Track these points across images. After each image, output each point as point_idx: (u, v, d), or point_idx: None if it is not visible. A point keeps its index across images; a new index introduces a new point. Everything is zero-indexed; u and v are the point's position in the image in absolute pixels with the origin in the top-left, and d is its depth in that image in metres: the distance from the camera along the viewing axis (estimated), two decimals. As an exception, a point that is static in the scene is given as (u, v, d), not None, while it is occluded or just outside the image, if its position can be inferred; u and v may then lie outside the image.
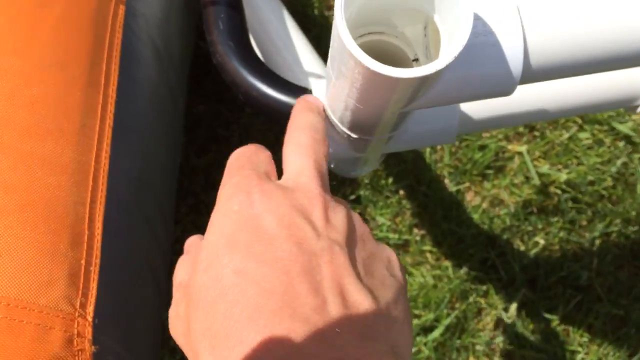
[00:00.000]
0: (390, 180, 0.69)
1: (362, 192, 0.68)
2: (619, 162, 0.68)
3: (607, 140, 0.69)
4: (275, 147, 0.70)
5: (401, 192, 0.69)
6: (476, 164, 0.69)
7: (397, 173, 0.69)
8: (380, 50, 0.29)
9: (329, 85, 0.30)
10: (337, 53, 0.24)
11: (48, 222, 0.34)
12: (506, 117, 0.37)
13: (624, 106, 0.39)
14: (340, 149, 0.36)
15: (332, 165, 0.42)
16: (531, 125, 0.70)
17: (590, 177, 0.68)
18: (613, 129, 0.69)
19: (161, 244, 0.46)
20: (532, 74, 0.26)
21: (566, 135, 0.69)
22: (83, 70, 0.39)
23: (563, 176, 0.67)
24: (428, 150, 0.69)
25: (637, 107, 0.39)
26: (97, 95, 0.39)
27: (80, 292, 0.34)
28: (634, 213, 0.68)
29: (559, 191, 0.68)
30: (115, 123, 0.40)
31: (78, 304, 0.34)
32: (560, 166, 0.69)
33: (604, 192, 0.68)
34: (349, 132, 0.32)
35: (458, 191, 0.69)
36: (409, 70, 0.21)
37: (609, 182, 0.68)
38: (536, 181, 0.68)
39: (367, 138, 0.33)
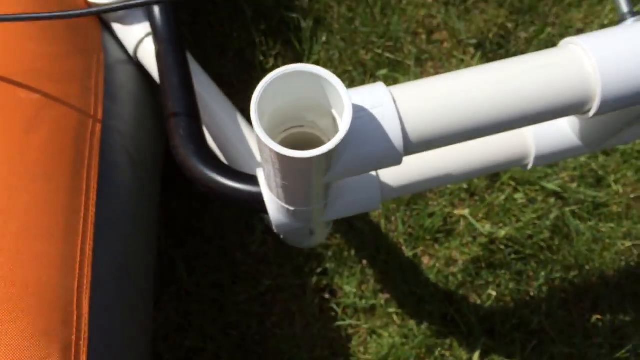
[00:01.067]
0: (353, 252, 0.76)
1: (328, 265, 0.75)
2: (552, 216, 0.77)
3: (539, 198, 0.78)
4: (245, 233, 0.78)
5: (364, 261, 0.76)
6: (427, 230, 0.76)
7: (358, 245, 0.76)
8: (304, 139, 0.38)
9: (265, 175, 0.38)
10: (259, 145, 0.32)
11: (41, 307, 0.41)
12: (419, 183, 0.45)
13: (517, 165, 0.48)
14: (288, 221, 0.44)
15: (281, 236, 0.49)
16: (471, 191, 0.78)
17: (528, 232, 0.76)
18: (543, 187, 0.78)
19: (143, 323, 0.52)
20: (414, 147, 0.34)
21: (502, 197, 0.77)
22: (66, 179, 0.47)
23: (503, 233, 0.75)
24: (383, 221, 0.77)
25: (527, 165, 0.47)
26: (80, 199, 0.47)
27: (73, 364, 0.40)
28: (572, 260, 0.75)
29: (503, 247, 0.75)
30: (96, 221, 0.47)
31: (72, 374, 0.39)
32: (501, 224, 0.77)
33: (542, 244, 0.76)
34: (287, 206, 0.40)
35: (414, 255, 0.76)
36: (305, 152, 0.29)
37: (546, 234, 0.76)
38: (482, 239, 0.76)
39: (302, 209, 0.40)
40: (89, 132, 0.51)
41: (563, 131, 0.46)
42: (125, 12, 0.60)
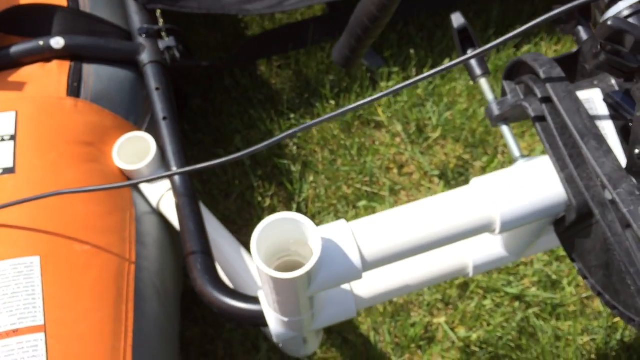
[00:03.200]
0: (347, 363, 0.86)
1: (326, 377, 0.85)
2: (517, 318, 0.88)
3: (505, 303, 0.90)
4: (252, 352, 0.90)
5: (358, 372, 0.86)
6: (411, 339, 0.87)
7: (352, 356, 0.87)
8: (292, 265, 0.51)
9: (264, 294, 0.51)
10: (258, 271, 0.46)
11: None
12: (384, 294, 0.58)
13: (461, 274, 0.61)
14: (284, 331, 0.56)
15: (280, 345, 0.61)
16: (446, 301, 0.90)
17: (498, 334, 0.87)
18: (507, 293, 0.90)
19: None
20: (369, 264, 0.48)
21: (473, 304, 0.89)
22: (111, 311, 0.60)
23: (476, 336, 0.86)
24: (372, 333, 0.88)
25: (468, 273, 0.60)
26: (121, 326, 0.60)
27: None
28: (540, 357, 0.85)
29: (477, 349, 0.86)
30: (133, 344, 0.60)
31: None
32: (474, 328, 0.88)
33: (512, 344, 0.86)
34: (282, 317, 0.52)
35: (402, 363, 0.86)
36: (290, 274, 0.43)
37: (514, 334, 0.87)
38: (459, 344, 0.86)
39: (294, 319, 0.53)
40: (126, 272, 0.64)
41: (492, 246, 0.60)
42: (150, 174, 0.76)
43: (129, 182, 0.60)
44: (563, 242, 0.55)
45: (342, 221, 0.49)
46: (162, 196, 0.75)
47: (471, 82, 1.10)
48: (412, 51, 1.12)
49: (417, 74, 1.12)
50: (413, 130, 1.06)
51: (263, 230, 0.44)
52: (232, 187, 1.01)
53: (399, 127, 1.07)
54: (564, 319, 0.89)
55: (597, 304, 0.91)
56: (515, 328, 0.87)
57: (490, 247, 0.60)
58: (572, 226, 0.52)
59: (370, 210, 0.97)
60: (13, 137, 0.68)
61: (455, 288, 0.91)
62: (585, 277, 0.53)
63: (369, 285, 0.58)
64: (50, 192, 0.59)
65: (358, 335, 0.88)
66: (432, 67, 1.13)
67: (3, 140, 0.68)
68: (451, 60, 1.14)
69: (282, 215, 0.45)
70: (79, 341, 0.56)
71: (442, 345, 0.87)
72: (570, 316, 0.89)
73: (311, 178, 1.02)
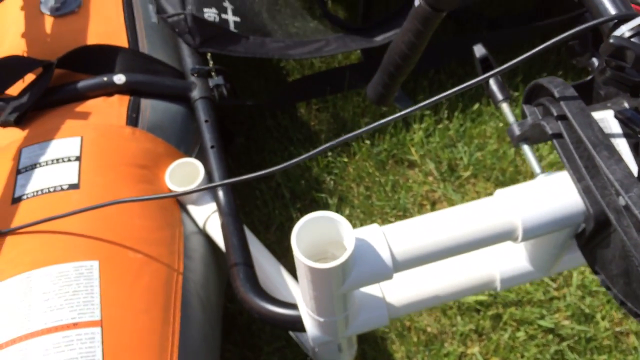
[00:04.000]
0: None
1: (359, 402, 0.87)
2: (552, 350, 0.89)
3: (539, 335, 0.91)
4: None
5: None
6: (443, 367, 0.89)
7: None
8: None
9: (302, 292, 0.55)
10: (297, 265, 0.50)
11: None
12: (416, 303, 0.62)
13: (489, 288, 0.63)
14: (320, 334, 0.60)
15: (316, 350, 0.64)
16: (479, 332, 0.92)
17: (532, 364, 0.88)
18: (540, 325, 0.91)
19: None
20: (400, 264, 0.52)
21: (506, 335, 0.90)
22: (160, 314, 0.64)
23: (509, 365, 0.87)
24: (405, 361, 0.90)
25: (496, 287, 0.63)
26: (169, 328, 0.64)
27: None
28: (574, 388, 0.86)
29: (510, 378, 0.87)
30: (180, 345, 0.64)
31: None
32: (509, 358, 0.89)
33: (545, 374, 0.87)
34: (318, 317, 0.56)
35: (434, 391, 0.87)
36: (324, 264, 0.47)
37: (548, 365, 0.87)
38: (491, 373, 0.87)
39: (330, 319, 0.56)
40: (174, 281, 0.69)
41: (519, 260, 0.63)
42: (197, 197, 0.82)
43: (177, 193, 0.66)
44: (585, 255, 0.57)
45: (375, 225, 0.53)
46: (208, 217, 0.81)
47: (501, 124, 1.15)
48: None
49: (449, 118, 1.18)
50: (445, 169, 1.11)
51: (303, 225, 0.49)
52: (272, 218, 1.06)
53: (431, 166, 1.11)
54: (597, 352, 0.89)
55: (632, 339, 0.91)
56: None
57: (516, 261, 0.63)
58: (591, 237, 0.55)
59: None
60: (78, 158, 0.76)
61: (489, 319, 0.93)
62: (608, 288, 0.56)
63: (401, 295, 0.62)
64: (108, 202, 0.66)
65: (391, 363, 0.90)
66: (462, 111, 1.18)
67: (70, 160, 0.75)
68: (480, 105, 1.19)
69: (320, 213, 0.49)
70: (131, 337, 0.60)
71: (475, 375, 0.88)
72: (605, 350, 0.89)
73: (347, 211, 1.06)
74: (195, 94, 0.92)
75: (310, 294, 0.53)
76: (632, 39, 0.48)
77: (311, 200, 1.08)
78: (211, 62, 0.98)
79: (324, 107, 1.22)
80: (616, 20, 0.49)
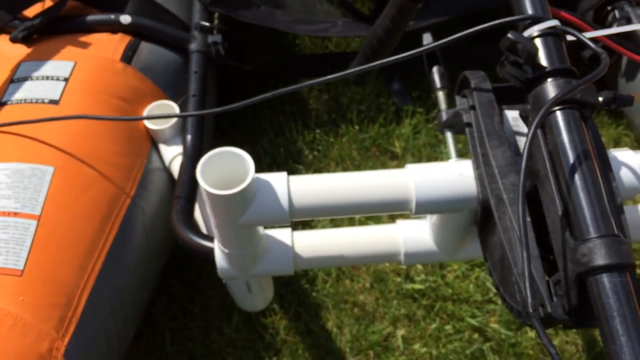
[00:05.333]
0: (307, 353, 0.93)
1: (284, 359, 0.92)
2: (473, 347, 0.92)
3: (466, 332, 0.94)
4: (224, 319, 0.98)
5: (313, 361, 0.92)
6: (369, 342, 0.93)
7: (311, 345, 0.93)
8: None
9: (212, 223, 0.61)
10: (202, 194, 0.55)
11: (56, 291, 0.63)
12: (321, 259, 0.66)
13: (393, 259, 0.68)
14: (227, 267, 0.65)
15: (225, 283, 0.69)
16: (410, 317, 0.96)
17: (451, 357, 0.91)
18: (469, 323, 0.94)
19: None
20: (296, 211, 0.57)
21: (434, 325, 0.94)
22: (96, 225, 0.71)
23: (429, 354, 0.90)
24: (335, 330, 0.94)
25: (400, 260, 0.67)
26: (101, 239, 0.71)
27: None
28: (485, 386, 0.89)
29: (427, 365, 0.90)
30: (107, 256, 0.70)
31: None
32: (429, 347, 0.92)
33: (461, 368, 0.90)
34: (223, 248, 0.62)
35: (354, 362, 0.92)
36: (223, 191, 0.52)
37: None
38: (410, 357, 0.91)
39: (234, 252, 0.62)
40: (120, 202, 0.76)
41: (423, 238, 0.67)
42: (169, 137, 0.88)
43: (140, 117, 0.73)
44: (481, 242, 0.61)
45: (284, 173, 0.58)
46: (174, 157, 0.87)
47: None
48: (434, 95, 1.21)
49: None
50: (423, 165, 1.14)
51: (210, 157, 0.55)
52: (247, 178, 1.12)
53: (409, 160, 1.15)
54: (518, 359, 0.92)
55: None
56: (469, 356, 0.91)
57: (421, 240, 0.67)
58: (483, 223, 0.59)
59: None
60: (66, 80, 0.83)
61: (422, 308, 0.96)
62: (491, 274, 0.60)
63: (310, 248, 0.67)
64: (76, 115, 0.73)
65: (322, 328, 0.95)
66: (456, 114, 1.21)
67: (58, 80, 0.83)
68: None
69: (227, 148, 0.55)
70: (63, 236, 0.67)
71: (396, 356, 0.92)
72: (525, 358, 0.91)
73: (319, 186, 1.11)
74: (193, 46, 0.99)
75: (214, 222, 0.59)
76: (537, 39, 0.51)
77: (288, 169, 1.13)
78: (216, 22, 1.05)
79: (325, 89, 1.27)
80: (530, 20, 0.52)
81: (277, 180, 0.57)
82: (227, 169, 0.56)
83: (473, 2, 1.18)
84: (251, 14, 1.11)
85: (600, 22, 1.12)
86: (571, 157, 0.46)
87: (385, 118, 1.21)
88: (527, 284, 0.42)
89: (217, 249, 0.64)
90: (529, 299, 0.42)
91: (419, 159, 1.16)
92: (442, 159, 1.15)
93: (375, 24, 0.86)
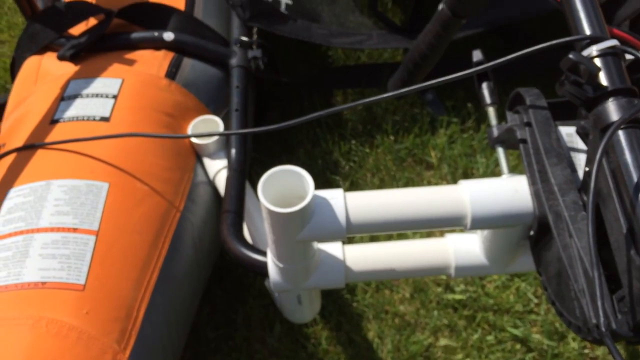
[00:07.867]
0: (347, 361, 0.94)
1: (325, 367, 0.93)
2: (517, 357, 0.92)
3: (508, 342, 0.94)
4: (266, 330, 0.98)
5: (355, 371, 0.93)
6: (411, 353, 0.93)
7: (353, 355, 0.94)
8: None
9: (268, 238, 0.62)
10: (262, 211, 0.57)
11: (116, 304, 0.65)
12: (372, 272, 0.67)
13: (443, 272, 0.68)
14: (280, 280, 0.66)
15: (276, 295, 0.71)
16: (452, 328, 0.96)
17: (493, 367, 0.91)
18: (512, 334, 0.94)
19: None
20: (353, 228, 0.58)
21: (476, 335, 0.94)
22: (150, 238, 0.73)
23: (470, 362, 0.91)
24: (376, 340, 0.95)
25: (451, 273, 0.68)
26: (155, 252, 0.73)
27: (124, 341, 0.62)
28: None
29: (470, 375, 0.91)
30: (162, 268, 0.72)
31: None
32: (472, 358, 0.93)
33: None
34: (278, 262, 0.63)
35: (397, 373, 0.93)
36: (284, 209, 0.54)
37: (508, 371, 0.91)
38: (454, 367, 0.92)
39: (288, 267, 0.63)
40: (171, 216, 0.78)
41: (474, 252, 0.67)
42: (213, 151, 0.90)
43: (186, 135, 0.74)
44: (534, 256, 0.62)
45: (340, 189, 0.59)
46: (219, 171, 0.89)
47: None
48: (469, 104, 1.22)
49: (476, 128, 1.21)
50: (459, 175, 1.15)
51: (271, 175, 0.56)
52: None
53: (446, 170, 1.16)
54: (561, 370, 0.92)
55: (600, 366, 0.93)
56: (511, 366, 0.92)
57: (472, 253, 0.68)
58: (538, 238, 0.59)
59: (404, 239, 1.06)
60: (115, 97, 0.85)
61: (464, 319, 0.97)
62: (545, 289, 0.60)
63: (361, 261, 0.68)
64: (128, 133, 0.75)
65: (363, 338, 0.96)
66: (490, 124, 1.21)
67: (107, 97, 0.85)
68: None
69: (287, 167, 0.56)
70: (120, 250, 0.69)
71: (439, 367, 0.93)
72: (568, 369, 0.92)
73: (356, 197, 1.12)
74: (234, 61, 1.01)
75: (271, 238, 0.60)
76: (596, 59, 0.52)
77: (324, 180, 1.15)
78: (255, 37, 1.06)
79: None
80: (588, 40, 0.53)
81: (335, 197, 0.58)
82: (284, 186, 0.58)
83: (506, 14, 1.19)
84: (289, 28, 1.13)
85: (638, 30, 1.12)
86: (635, 176, 0.46)
87: (420, 128, 1.22)
88: (600, 304, 0.42)
89: (271, 262, 0.66)
90: (602, 319, 0.42)
91: (454, 169, 1.16)
92: (478, 169, 1.16)
93: (418, 39, 0.87)
